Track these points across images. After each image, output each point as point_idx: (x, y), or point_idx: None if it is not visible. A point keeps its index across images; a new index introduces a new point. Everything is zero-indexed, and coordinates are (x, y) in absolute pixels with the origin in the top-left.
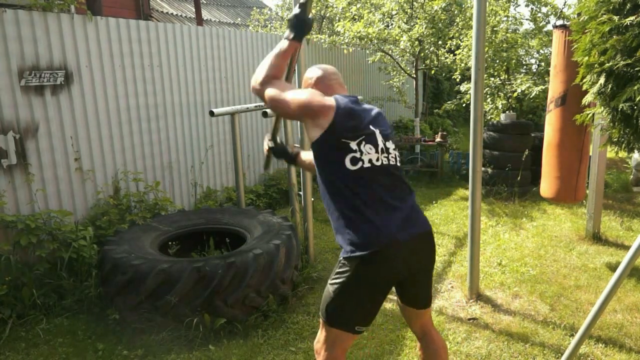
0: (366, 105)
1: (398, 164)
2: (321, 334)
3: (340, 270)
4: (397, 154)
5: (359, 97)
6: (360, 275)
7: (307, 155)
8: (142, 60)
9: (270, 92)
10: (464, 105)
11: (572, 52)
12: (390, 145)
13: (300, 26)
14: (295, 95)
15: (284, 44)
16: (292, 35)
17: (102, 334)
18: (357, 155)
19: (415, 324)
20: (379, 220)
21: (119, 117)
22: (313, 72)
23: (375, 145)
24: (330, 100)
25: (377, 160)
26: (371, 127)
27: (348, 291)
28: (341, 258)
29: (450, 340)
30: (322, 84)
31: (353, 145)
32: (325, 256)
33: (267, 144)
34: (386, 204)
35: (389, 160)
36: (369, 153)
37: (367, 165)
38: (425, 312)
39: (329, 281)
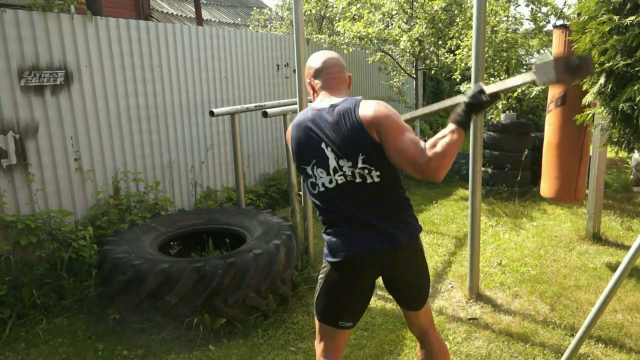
0: (329, 115)
1: (358, 179)
2: (316, 325)
3: (323, 266)
4: (355, 171)
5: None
6: (332, 277)
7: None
8: (142, 61)
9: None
10: None
11: (572, 52)
12: (345, 163)
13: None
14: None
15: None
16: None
17: (102, 334)
18: (313, 180)
19: (412, 325)
20: (338, 236)
21: (119, 117)
22: (313, 62)
23: (326, 167)
24: (289, 134)
25: (330, 182)
26: (322, 145)
27: (327, 287)
28: (323, 254)
29: (450, 340)
30: (319, 78)
31: (308, 170)
32: None
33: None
34: (341, 223)
35: (345, 177)
36: (321, 177)
37: (322, 189)
38: (418, 314)
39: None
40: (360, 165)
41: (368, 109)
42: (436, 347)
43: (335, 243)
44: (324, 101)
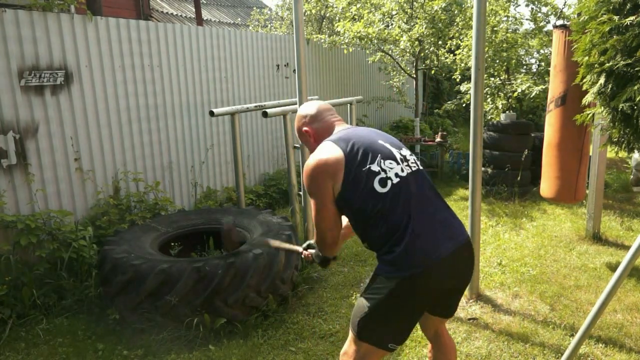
0: (362, 128)
1: (420, 168)
2: (350, 347)
3: (379, 285)
4: (415, 158)
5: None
6: (400, 295)
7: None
8: (142, 61)
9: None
10: (464, 105)
11: (572, 52)
12: (406, 152)
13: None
14: (318, 209)
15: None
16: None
17: (102, 334)
18: (383, 175)
19: (430, 329)
20: (418, 241)
21: (119, 117)
22: (306, 110)
23: (393, 157)
24: (324, 161)
25: (402, 170)
26: (380, 141)
27: (385, 308)
28: (378, 273)
29: None
30: (318, 122)
31: (374, 167)
32: None
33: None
34: (423, 216)
35: (410, 167)
36: (392, 168)
37: (395, 181)
38: (445, 320)
39: (364, 294)
40: (409, 155)
41: None
42: (449, 344)
43: (420, 244)
44: (342, 128)
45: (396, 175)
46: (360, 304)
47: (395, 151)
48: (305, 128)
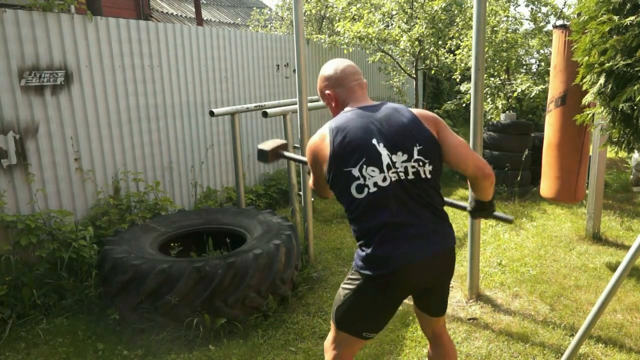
0: (375, 111)
1: (410, 176)
2: (331, 334)
3: (352, 277)
4: (409, 165)
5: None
6: (369, 290)
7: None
8: (142, 61)
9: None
10: (464, 105)
11: (572, 52)
12: (399, 157)
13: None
14: (314, 179)
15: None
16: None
17: (102, 334)
18: (362, 182)
19: (427, 328)
20: (389, 243)
21: (119, 117)
22: (329, 71)
23: (379, 164)
24: (316, 140)
25: (384, 180)
26: (373, 141)
27: (356, 300)
28: (353, 265)
29: None
30: (341, 87)
31: (355, 172)
32: (325, 256)
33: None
34: (395, 227)
35: (398, 175)
36: (372, 176)
37: (373, 190)
38: (439, 319)
39: (342, 284)
40: (415, 156)
41: (421, 110)
42: (448, 346)
43: (384, 252)
44: (361, 103)
45: (375, 184)
46: (338, 294)
47: (385, 155)
48: (327, 91)
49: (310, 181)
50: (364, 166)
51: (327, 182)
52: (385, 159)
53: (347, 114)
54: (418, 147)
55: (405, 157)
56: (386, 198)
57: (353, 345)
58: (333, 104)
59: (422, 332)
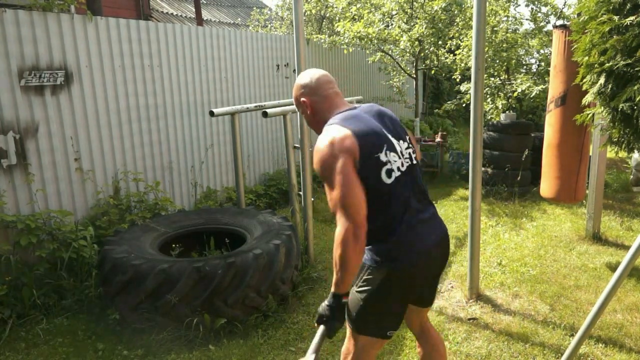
0: (365, 110)
1: (414, 161)
2: (350, 343)
3: (369, 277)
4: (410, 151)
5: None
6: (391, 284)
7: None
8: (142, 61)
9: (340, 209)
10: (464, 105)
11: (572, 52)
12: (403, 145)
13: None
14: (343, 182)
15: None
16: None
17: (102, 334)
18: (390, 166)
19: (415, 321)
20: (411, 233)
21: (119, 118)
22: (304, 79)
23: (395, 150)
24: (340, 138)
25: (402, 165)
26: (384, 131)
27: (378, 298)
28: (367, 265)
29: (450, 340)
30: (317, 96)
31: (382, 156)
32: (325, 256)
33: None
34: (414, 212)
35: (405, 162)
36: (395, 161)
37: (397, 174)
38: (427, 309)
39: (355, 288)
40: (408, 143)
41: None
42: (436, 338)
43: (410, 237)
44: (345, 107)
45: (398, 169)
46: (353, 299)
47: (396, 143)
48: (303, 98)
49: (337, 201)
50: (388, 152)
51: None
52: (397, 147)
53: (342, 114)
54: (406, 136)
55: (405, 144)
56: (405, 183)
57: (375, 350)
58: (308, 111)
59: (410, 330)
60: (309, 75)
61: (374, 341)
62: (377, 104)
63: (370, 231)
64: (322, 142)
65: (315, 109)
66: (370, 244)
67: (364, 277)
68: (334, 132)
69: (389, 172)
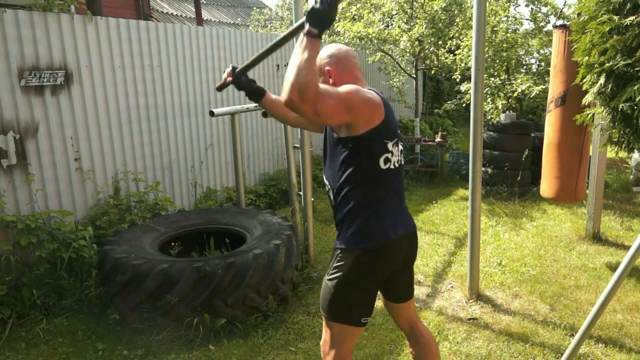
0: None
1: (401, 164)
2: (326, 334)
3: (339, 263)
4: (402, 157)
5: None
6: (362, 266)
7: (275, 97)
8: (142, 61)
9: (327, 94)
10: (464, 105)
11: (572, 52)
12: (399, 147)
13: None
14: (351, 94)
15: (309, 45)
16: (316, 31)
17: (102, 334)
18: (389, 156)
19: (401, 318)
20: (387, 217)
21: (119, 118)
22: (331, 50)
23: (399, 148)
24: (375, 97)
25: (398, 162)
26: (397, 128)
27: (347, 283)
28: (339, 251)
29: (450, 340)
30: (343, 66)
31: (390, 145)
32: (325, 256)
33: (228, 73)
34: (394, 203)
35: (399, 162)
36: (396, 155)
37: (392, 167)
38: (409, 304)
39: (326, 277)
40: (400, 147)
41: None
42: (428, 337)
43: (388, 219)
44: (366, 87)
45: (395, 162)
46: (325, 288)
47: (399, 141)
48: (328, 67)
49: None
50: (396, 145)
51: (355, 140)
52: (399, 145)
53: (373, 90)
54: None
55: (401, 147)
56: (394, 179)
57: (351, 339)
58: (331, 81)
59: (400, 330)
60: (336, 47)
61: (349, 329)
62: None
63: (352, 208)
64: (367, 93)
65: (339, 80)
66: (345, 221)
67: (334, 265)
68: (373, 94)
69: (387, 161)
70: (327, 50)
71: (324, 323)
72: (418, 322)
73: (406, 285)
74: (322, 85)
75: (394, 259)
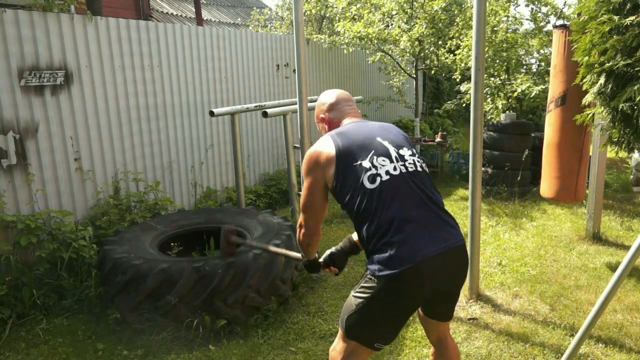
0: (370, 123)
1: (419, 169)
2: (338, 343)
3: (367, 285)
4: (415, 159)
5: (359, 98)
6: (388, 295)
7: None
8: (142, 61)
9: (303, 219)
10: (464, 105)
11: (572, 52)
12: (406, 152)
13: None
14: (307, 194)
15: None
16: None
17: (102, 334)
18: (374, 171)
19: (433, 333)
20: (408, 241)
21: (119, 118)
22: (326, 98)
23: (388, 155)
24: (321, 149)
25: (395, 169)
26: (378, 139)
27: (372, 308)
28: (368, 272)
29: None
30: (334, 112)
31: (366, 163)
32: None
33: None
34: (411, 217)
35: (406, 167)
36: (383, 165)
37: (385, 178)
38: (445, 323)
39: (353, 292)
40: (416, 154)
41: None
42: (453, 351)
43: (404, 245)
44: (356, 119)
45: (387, 172)
46: (349, 302)
47: (392, 149)
48: (322, 115)
49: (302, 201)
50: (374, 157)
51: (333, 189)
52: (393, 153)
53: (344, 126)
54: (411, 147)
55: (410, 152)
56: (397, 187)
57: (362, 355)
58: (326, 127)
59: (427, 337)
60: (328, 94)
61: (361, 348)
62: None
63: (367, 235)
64: (309, 151)
65: (331, 124)
66: (369, 251)
67: (362, 284)
68: (318, 144)
69: (373, 177)
70: (322, 98)
71: (339, 333)
72: (448, 335)
73: (449, 309)
74: (299, 219)
75: (421, 286)
